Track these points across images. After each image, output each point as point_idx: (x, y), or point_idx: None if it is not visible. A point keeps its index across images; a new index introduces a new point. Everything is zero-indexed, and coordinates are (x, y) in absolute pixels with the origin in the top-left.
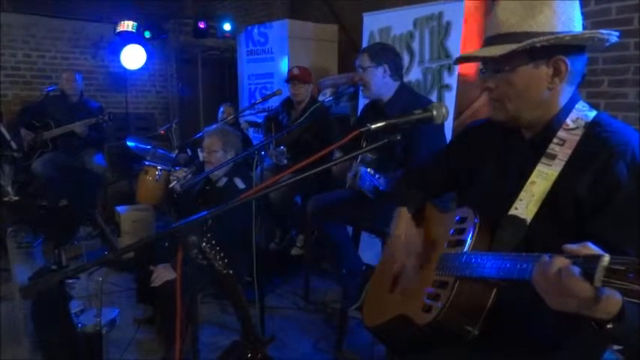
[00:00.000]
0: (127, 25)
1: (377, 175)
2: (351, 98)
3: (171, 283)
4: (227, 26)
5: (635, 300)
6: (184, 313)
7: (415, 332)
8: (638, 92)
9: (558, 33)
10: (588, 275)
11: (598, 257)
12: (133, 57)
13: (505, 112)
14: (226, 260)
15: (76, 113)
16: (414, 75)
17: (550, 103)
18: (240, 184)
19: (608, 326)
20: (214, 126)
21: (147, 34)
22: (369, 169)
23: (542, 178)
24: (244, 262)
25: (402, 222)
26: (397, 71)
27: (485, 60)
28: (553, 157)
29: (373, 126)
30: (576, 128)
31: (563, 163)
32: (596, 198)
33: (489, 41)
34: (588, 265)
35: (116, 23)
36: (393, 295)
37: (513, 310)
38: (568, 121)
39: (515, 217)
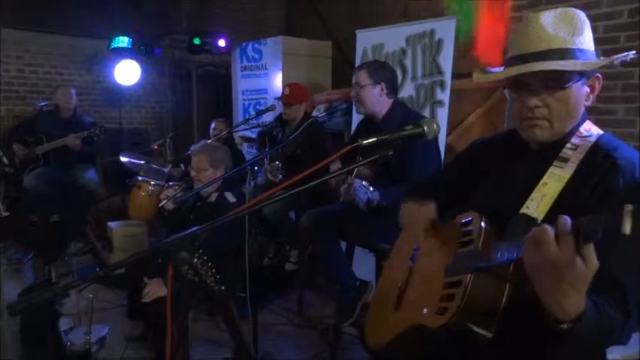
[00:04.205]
0: (122, 41)
1: (371, 188)
2: (345, 114)
3: (163, 299)
4: (222, 42)
5: None
6: (176, 330)
7: (428, 340)
8: (626, 109)
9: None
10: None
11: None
12: (128, 72)
13: (551, 130)
14: (218, 276)
15: (70, 128)
16: (406, 91)
17: None
18: (231, 198)
19: (563, 326)
20: (200, 143)
21: (141, 50)
22: (363, 182)
23: (554, 180)
24: (237, 278)
25: (402, 240)
26: (393, 89)
27: (536, 76)
28: (565, 160)
29: (364, 142)
30: (589, 136)
31: (575, 165)
32: (592, 203)
33: (539, 56)
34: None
35: (110, 39)
36: (400, 312)
37: (518, 310)
38: (581, 129)
39: (526, 216)
